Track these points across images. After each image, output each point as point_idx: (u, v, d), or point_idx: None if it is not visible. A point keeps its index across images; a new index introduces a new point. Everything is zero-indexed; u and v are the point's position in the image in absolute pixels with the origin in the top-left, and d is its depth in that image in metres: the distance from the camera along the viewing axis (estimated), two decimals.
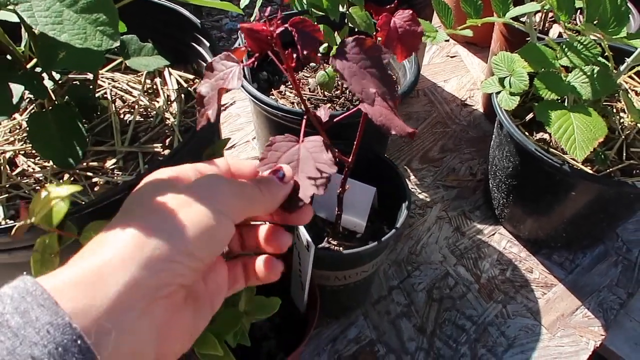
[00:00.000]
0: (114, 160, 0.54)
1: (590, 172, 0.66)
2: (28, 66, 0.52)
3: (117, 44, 0.43)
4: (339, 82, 0.77)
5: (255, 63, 0.37)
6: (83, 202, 0.47)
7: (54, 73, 0.55)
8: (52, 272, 0.26)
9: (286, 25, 0.35)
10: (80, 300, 0.25)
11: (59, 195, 0.35)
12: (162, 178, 0.33)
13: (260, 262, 0.37)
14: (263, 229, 0.37)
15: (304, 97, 0.76)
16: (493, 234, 0.86)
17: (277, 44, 0.36)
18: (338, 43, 0.71)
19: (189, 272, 0.29)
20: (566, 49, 0.63)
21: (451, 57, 1.25)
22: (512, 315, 0.76)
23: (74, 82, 0.60)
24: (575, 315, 0.76)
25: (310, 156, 0.44)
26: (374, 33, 0.52)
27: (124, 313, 0.25)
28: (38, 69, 0.53)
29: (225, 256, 0.37)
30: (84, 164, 0.54)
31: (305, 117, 0.45)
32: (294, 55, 0.39)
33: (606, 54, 0.63)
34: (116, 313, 0.25)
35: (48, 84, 0.55)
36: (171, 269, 0.28)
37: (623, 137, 0.69)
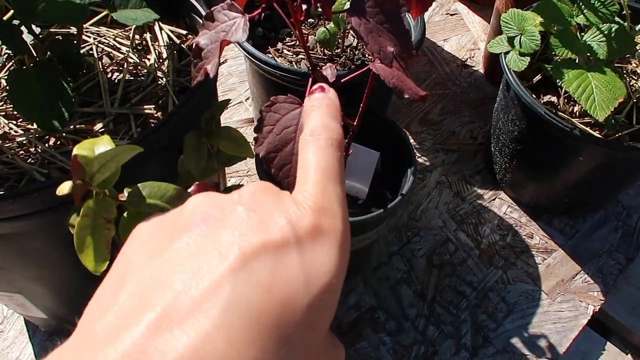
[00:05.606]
0: (103, 123, 0.50)
1: (600, 136, 0.64)
2: (4, 18, 0.47)
3: None
4: (340, 40, 0.72)
5: (262, 15, 0.33)
6: None
7: (33, 26, 0.50)
8: None
9: None
10: None
11: (118, 154, 0.30)
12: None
13: None
14: None
15: (304, 56, 0.72)
16: (494, 199, 0.85)
17: None
18: None
19: None
20: (582, 6, 0.59)
21: (451, 14, 1.20)
22: (513, 280, 0.75)
23: (57, 37, 0.55)
24: (575, 281, 0.76)
25: None
26: None
27: None
28: (16, 22, 0.49)
29: None
30: (71, 126, 0.50)
31: (311, 76, 0.42)
32: (304, 8, 0.35)
33: (624, 12, 0.60)
34: None
35: (27, 37, 0.50)
36: None
37: (634, 100, 0.67)
